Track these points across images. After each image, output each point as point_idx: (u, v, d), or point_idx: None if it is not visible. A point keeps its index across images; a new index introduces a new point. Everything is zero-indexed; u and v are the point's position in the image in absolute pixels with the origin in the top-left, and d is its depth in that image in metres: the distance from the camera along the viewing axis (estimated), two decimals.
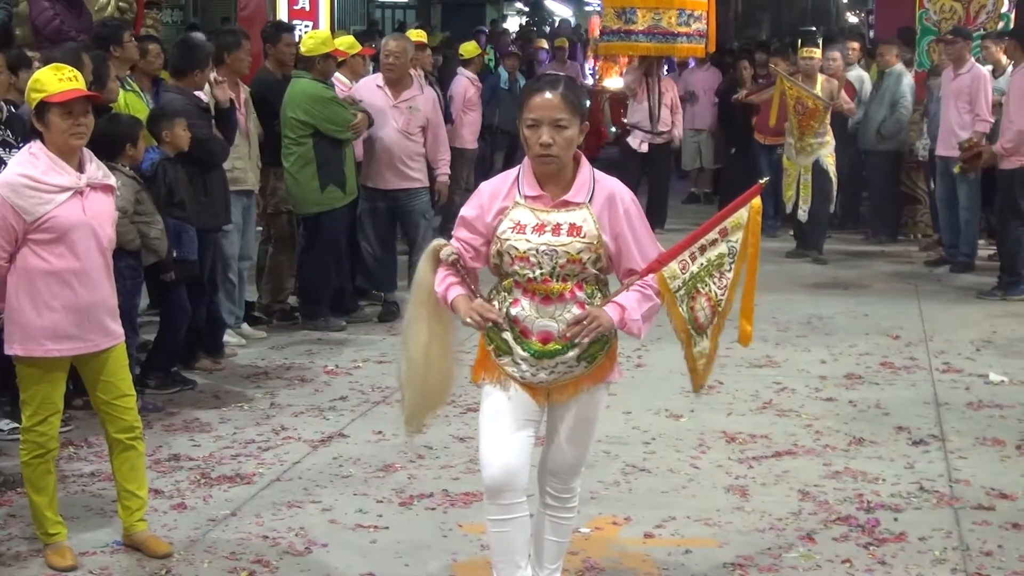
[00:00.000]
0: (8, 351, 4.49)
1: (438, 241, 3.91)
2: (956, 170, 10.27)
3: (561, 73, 4.14)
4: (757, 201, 4.02)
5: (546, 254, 3.74)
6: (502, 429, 3.80)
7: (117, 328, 4.58)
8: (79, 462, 5.63)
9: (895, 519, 5.00)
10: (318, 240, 8.24)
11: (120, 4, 8.61)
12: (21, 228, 4.35)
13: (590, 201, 3.77)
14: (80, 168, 4.47)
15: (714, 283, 3.93)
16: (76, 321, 4.43)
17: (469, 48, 12.08)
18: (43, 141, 4.44)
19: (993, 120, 10.14)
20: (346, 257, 8.60)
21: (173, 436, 6.05)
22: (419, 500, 5.20)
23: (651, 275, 3.79)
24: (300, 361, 7.55)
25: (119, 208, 6.11)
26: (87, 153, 4.54)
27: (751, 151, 12.25)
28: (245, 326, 8.11)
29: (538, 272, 3.74)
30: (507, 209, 3.79)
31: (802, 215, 10.71)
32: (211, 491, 5.30)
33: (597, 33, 20.32)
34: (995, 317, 8.77)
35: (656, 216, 12.21)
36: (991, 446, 5.96)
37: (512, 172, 3.88)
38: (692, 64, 15.09)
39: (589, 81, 18.49)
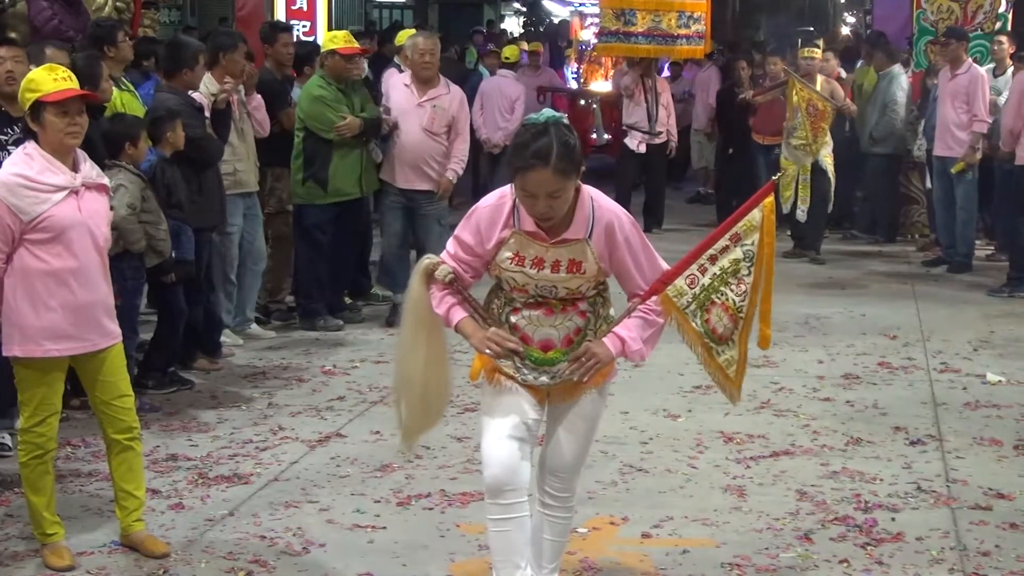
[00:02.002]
0: (7, 353, 4.49)
1: (429, 259, 3.83)
2: (953, 170, 10.28)
3: (545, 120, 3.60)
4: (770, 200, 3.87)
5: (545, 287, 3.72)
6: (503, 428, 3.79)
7: (115, 328, 4.58)
8: (77, 462, 5.63)
9: (892, 519, 5.00)
10: (298, 231, 8.38)
11: (117, 4, 8.60)
12: (18, 228, 4.35)
13: (590, 236, 3.69)
14: (74, 168, 4.47)
15: (731, 291, 3.81)
16: (74, 321, 4.42)
17: (513, 51, 13.03)
18: (37, 141, 4.45)
19: (991, 120, 10.14)
20: (339, 259, 8.55)
21: (171, 436, 6.05)
22: (417, 500, 5.20)
23: (654, 297, 3.75)
24: (298, 361, 7.55)
25: (129, 204, 6.16)
26: (80, 153, 4.54)
27: (749, 151, 12.25)
28: (254, 326, 8.11)
29: (538, 299, 3.75)
30: (505, 239, 3.72)
31: (801, 215, 10.71)
32: (209, 491, 5.29)
33: (581, 35, 20.23)
34: (992, 317, 8.78)
35: (653, 217, 12.22)
36: (988, 446, 5.96)
37: (508, 197, 3.73)
38: (686, 74, 15.11)
39: (573, 85, 18.32)
